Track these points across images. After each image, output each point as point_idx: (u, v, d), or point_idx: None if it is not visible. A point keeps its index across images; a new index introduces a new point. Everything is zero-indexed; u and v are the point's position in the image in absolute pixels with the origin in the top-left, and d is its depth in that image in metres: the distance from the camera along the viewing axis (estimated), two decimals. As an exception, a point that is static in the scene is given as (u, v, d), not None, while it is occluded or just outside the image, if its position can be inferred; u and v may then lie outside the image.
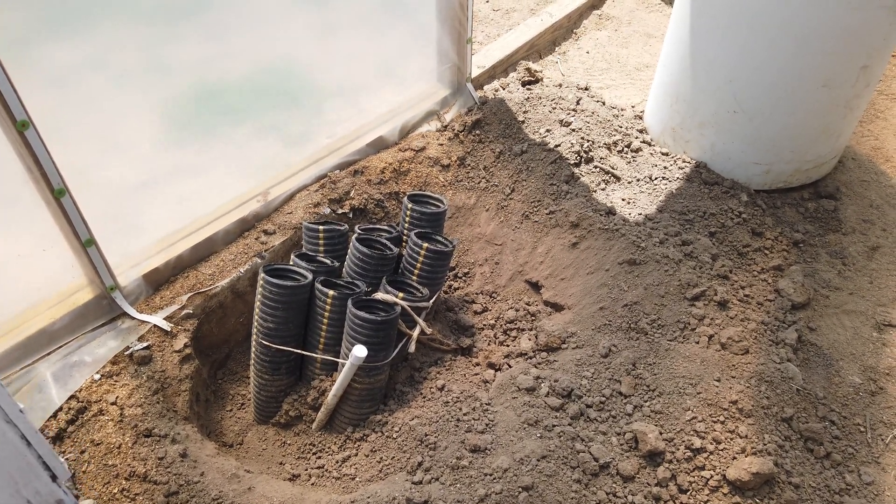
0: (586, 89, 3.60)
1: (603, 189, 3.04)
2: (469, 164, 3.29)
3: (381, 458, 2.21)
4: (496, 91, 3.61)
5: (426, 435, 2.19)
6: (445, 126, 3.43)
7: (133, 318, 2.45)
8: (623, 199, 2.98)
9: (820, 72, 2.74)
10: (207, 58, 2.55)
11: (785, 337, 2.46)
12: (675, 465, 2.10)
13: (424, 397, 2.41)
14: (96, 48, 2.24)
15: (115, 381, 2.29)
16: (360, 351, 2.20)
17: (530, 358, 2.55)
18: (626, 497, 2.04)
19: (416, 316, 2.45)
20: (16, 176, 2.02)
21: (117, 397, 2.24)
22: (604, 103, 3.51)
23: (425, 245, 2.52)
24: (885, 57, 2.84)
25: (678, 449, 2.13)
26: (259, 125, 2.86)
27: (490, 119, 3.39)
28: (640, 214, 2.89)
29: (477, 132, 3.36)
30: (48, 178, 2.03)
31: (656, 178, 3.08)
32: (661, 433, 2.16)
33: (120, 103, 2.36)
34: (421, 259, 2.54)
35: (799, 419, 2.24)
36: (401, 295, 2.42)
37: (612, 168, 3.11)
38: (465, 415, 2.26)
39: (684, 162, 3.16)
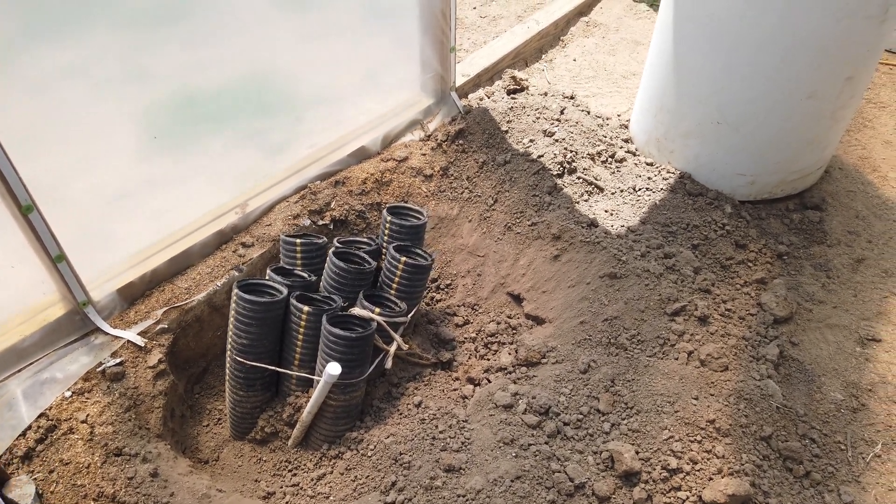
0: (572, 98, 3.56)
1: (586, 200, 3.01)
2: (452, 175, 3.26)
3: (356, 476, 2.18)
4: (481, 100, 3.58)
5: (401, 454, 2.16)
6: (429, 136, 3.40)
7: (106, 334, 2.41)
8: (606, 211, 2.95)
9: (805, 83, 2.71)
10: (186, 65, 2.50)
11: (766, 353, 2.43)
12: (651, 486, 2.07)
13: (401, 414, 2.38)
14: (71, 56, 2.19)
15: (87, 399, 2.25)
16: (333, 368, 2.17)
17: (510, 373, 2.52)
18: (601, 518, 2.01)
19: (392, 332, 2.41)
20: (-19, 192, 1.99)
21: (88, 415, 2.21)
22: (589, 112, 3.48)
23: (403, 259, 2.49)
24: (871, 67, 2.81)
25: (654, 469, 2.10)
26: (238, 134, 2.81)
27: (474, 129, 3.36)
28: (623, 226, 2.86)
29: (460, 142, 3.33)
30: (14, 195, 2.00)
31: (640, 189, 3.05)
32: (637, 453, 2.13)
33: (94, 112, 2.31)
34: (399, 273, 2.51)
35: (778, 437, 2.21)
36: (377, 310, 2.39)
37: (596, 179, 3.08)
38: (441, 432, 2.23)
39: (669, 172, 3.13)
